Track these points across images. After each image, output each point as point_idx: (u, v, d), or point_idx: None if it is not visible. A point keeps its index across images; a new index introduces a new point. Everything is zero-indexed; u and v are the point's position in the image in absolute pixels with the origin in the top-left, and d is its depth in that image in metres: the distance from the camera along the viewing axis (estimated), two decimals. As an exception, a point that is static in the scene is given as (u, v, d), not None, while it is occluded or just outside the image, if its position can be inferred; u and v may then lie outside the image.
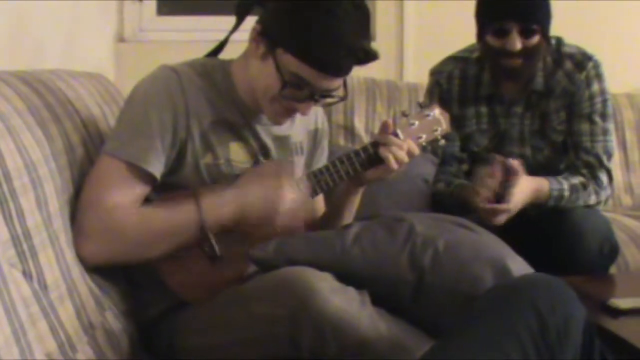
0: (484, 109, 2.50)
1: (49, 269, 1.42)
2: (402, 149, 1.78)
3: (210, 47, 1.86)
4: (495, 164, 2.25)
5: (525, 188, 2.28)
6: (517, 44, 2.30)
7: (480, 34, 2.39)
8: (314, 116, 1.94)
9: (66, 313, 1.43)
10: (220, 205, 1.68)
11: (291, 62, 1.65)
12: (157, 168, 1.67)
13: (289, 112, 1.74)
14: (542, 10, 2.32)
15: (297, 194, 1.75)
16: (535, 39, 2.31)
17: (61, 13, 2.43)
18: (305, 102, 1.70)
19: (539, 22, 2.30)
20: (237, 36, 1.79)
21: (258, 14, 1.74)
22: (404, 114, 1.86)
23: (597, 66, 2.43)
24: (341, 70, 1.68)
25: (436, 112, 1.88)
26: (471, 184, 2.36)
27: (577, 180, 2.40)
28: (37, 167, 1.47)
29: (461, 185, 2.45)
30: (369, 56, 1.67)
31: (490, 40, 2.35)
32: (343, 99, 1.77)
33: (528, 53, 2.33)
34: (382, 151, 1.78)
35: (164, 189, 1.71)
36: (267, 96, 1.70)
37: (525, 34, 2.30)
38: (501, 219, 2.25)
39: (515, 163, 2.25)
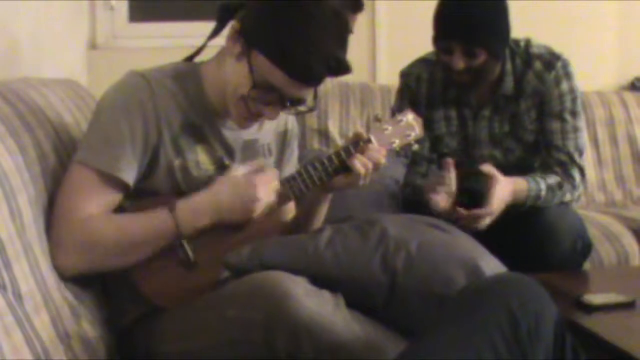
0: (453, 112, 2.50)
1: (24, 280, 1.42)
2: (371, 158, 1.76)
3: (184, 53, 1.85)
4: (444, 170, 2.22)
5: (505, 189, 2.26)
6: (460, 63, 2.28)
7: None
8: (284, 117, 1.93)
9: (42, 323, 1.43)
10: (196, 211, 1.68)
11: (264, 66, 1.64)
12: (129, 175, 1.67)
13: (255, 117, 1.74)
14: (488, 31, 2.27)
15: (267, 183, 1.73)
16: (480, 59, 2.28)
17: (32, 20, 2.41)
18: (272, 106, 1.69)
19: (483, 45, 2.26)
20: (217, 40, 1.78)
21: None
22: (377, 119, 1.86)
23: (565, 65, 2.43)
24: (313, 78, 1.67)
25: (409, 117, 1.87)
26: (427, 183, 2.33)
27: (553, 180, 2.39)
28: (10, 177, 1.47)
29: (420, 189, 2.39)
30: (342, 68, 1.67)
31: (439, 54, 2.36)
32: (312, 109, 1.77)
33: (473, 72, 2.31)
34: (351, 160, 1.76)
35: (138, 195, 1.71)
36: (235, 95, 1.69)
37: (469, 54, 2.27)
38: (484, 223, 2.22)
39: (488, 167, 2.25)
